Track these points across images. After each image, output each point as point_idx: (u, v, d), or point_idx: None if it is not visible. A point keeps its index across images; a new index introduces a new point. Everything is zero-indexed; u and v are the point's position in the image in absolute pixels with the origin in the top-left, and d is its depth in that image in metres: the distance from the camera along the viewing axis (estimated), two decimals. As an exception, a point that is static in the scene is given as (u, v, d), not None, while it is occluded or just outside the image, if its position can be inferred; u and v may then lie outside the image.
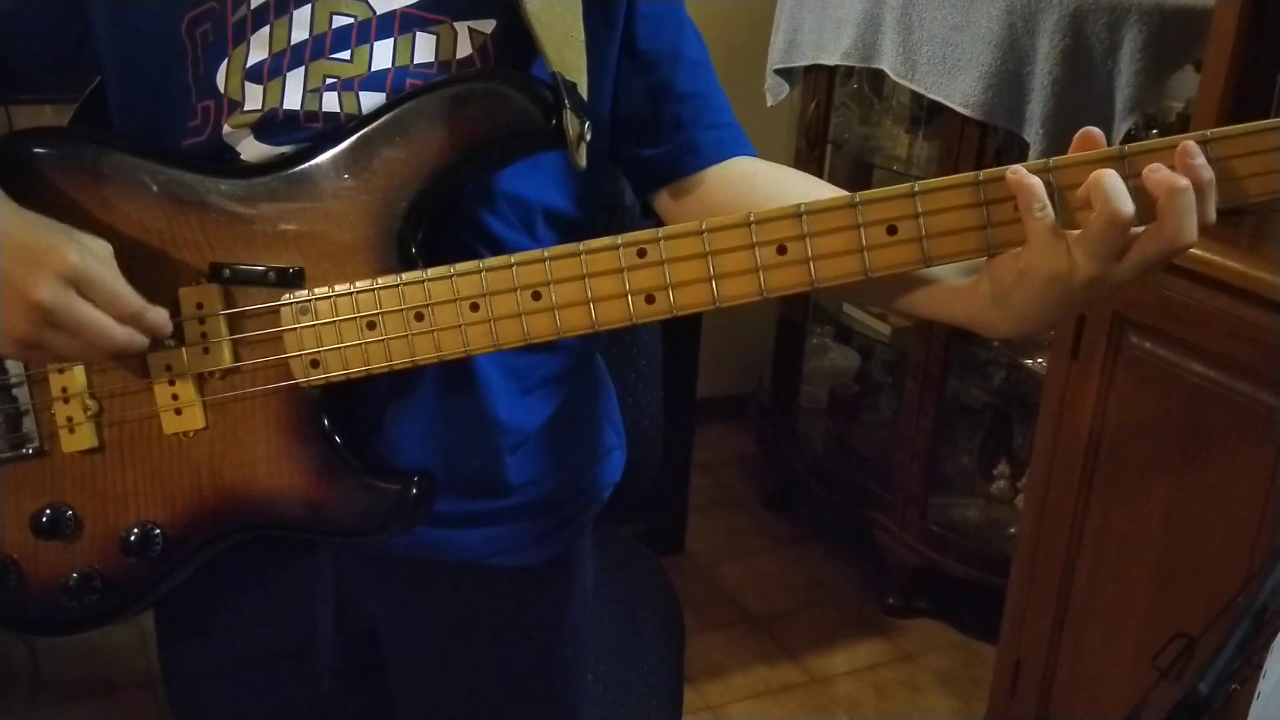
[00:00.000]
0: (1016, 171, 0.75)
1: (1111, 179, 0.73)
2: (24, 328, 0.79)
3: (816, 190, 0.90)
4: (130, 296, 0.81)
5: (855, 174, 2.84)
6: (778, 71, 2.50)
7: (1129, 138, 1.96)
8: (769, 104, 2.53)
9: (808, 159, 2.57)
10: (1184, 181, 0.72)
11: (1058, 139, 1.96)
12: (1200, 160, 0.73)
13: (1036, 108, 1.97)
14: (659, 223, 0.96)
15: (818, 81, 2.49)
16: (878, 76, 2.38)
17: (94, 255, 0.80)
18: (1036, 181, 0.74)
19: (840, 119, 2.57)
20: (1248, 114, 1.46)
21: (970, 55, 2.02)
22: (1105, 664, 1.61)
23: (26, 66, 0.92)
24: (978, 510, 2.44)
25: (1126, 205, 0.72)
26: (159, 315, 0.83)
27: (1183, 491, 1.46)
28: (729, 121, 0.96)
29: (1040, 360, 2.23)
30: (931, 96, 2.12)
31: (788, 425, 2.77)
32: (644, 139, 0.95)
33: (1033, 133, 1.98)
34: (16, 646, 2.14)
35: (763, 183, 0.94)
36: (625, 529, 1.11)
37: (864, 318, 2.68)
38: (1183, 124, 2.04)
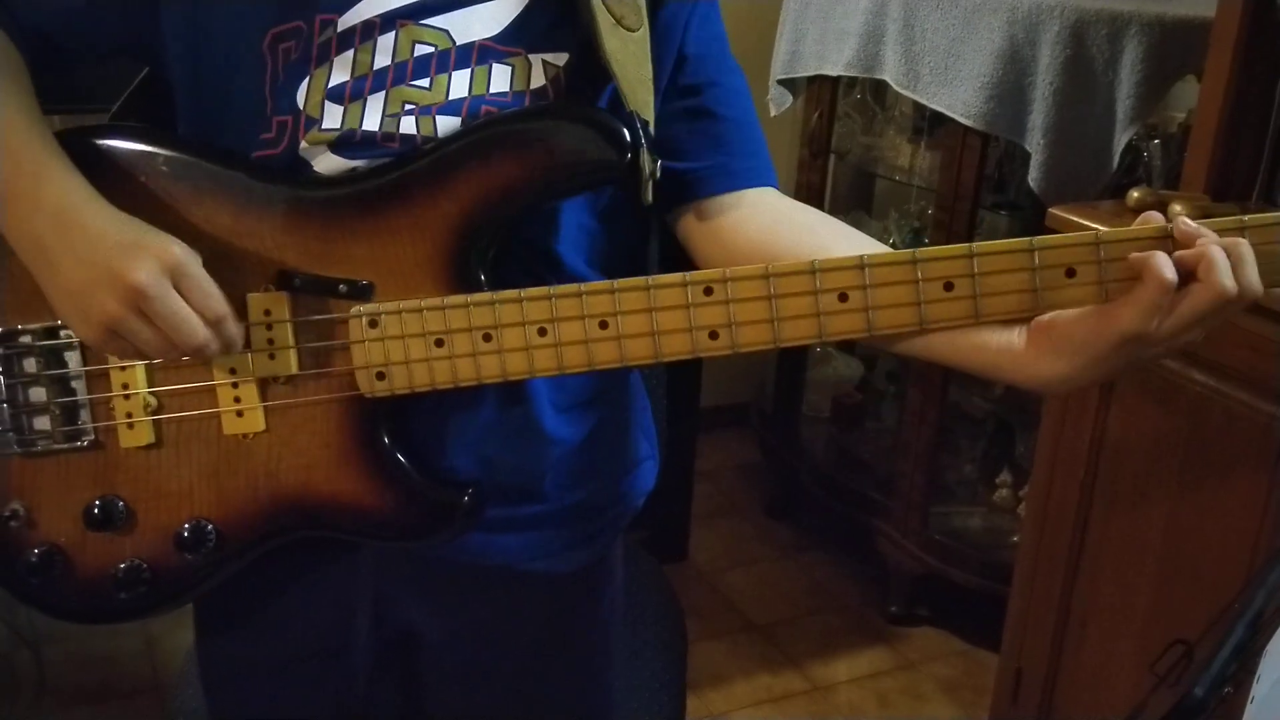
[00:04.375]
0: (1143, 246, 0.77)
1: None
2: (113, 309, 0.79)
3: (857, 240, 0.90)
4: (220, 299, 0.82)
5: (858, 183, 2.85)
6: (781, 82, 2.51)
7: (1130, 148, 1.97)
8: (772, 114, 2.54)
9: (811, 168, 2.58)
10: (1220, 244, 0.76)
11: (1059, 149, 1.97)
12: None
13: (1038, 118, 1.98)
14: (679, 248, 0.97)
15: (821, 92, 2.50)
16: (880, 87, 2.39)
17: (192, 253, 0.81)
18: (1164, 257, 0.76)
19: (843, 129, 2.59)
20: (1248, 124, 1.48)
21: (972, 66, 2.03)
22: (1107, 671, 1.62)
23: (84, 56, 0.92)
24: (980, 519, 2.44)
25: (1231, 283, 0.75)
26: (236, 328, 0.84)
27: (1183, 500, 1.46)
28: (764, 152, 0.97)
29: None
30: (933, 106, 2.13)
31: (790, 433, 2.78)
32: (678, 156, 0.94)
33: (1034, 143, 1.99)
34: (21, 652, 2.14)
35: (801, 223, 0.94)
36: (628, 536, 1.12)
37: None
38: (1184, 134, 2.04)
